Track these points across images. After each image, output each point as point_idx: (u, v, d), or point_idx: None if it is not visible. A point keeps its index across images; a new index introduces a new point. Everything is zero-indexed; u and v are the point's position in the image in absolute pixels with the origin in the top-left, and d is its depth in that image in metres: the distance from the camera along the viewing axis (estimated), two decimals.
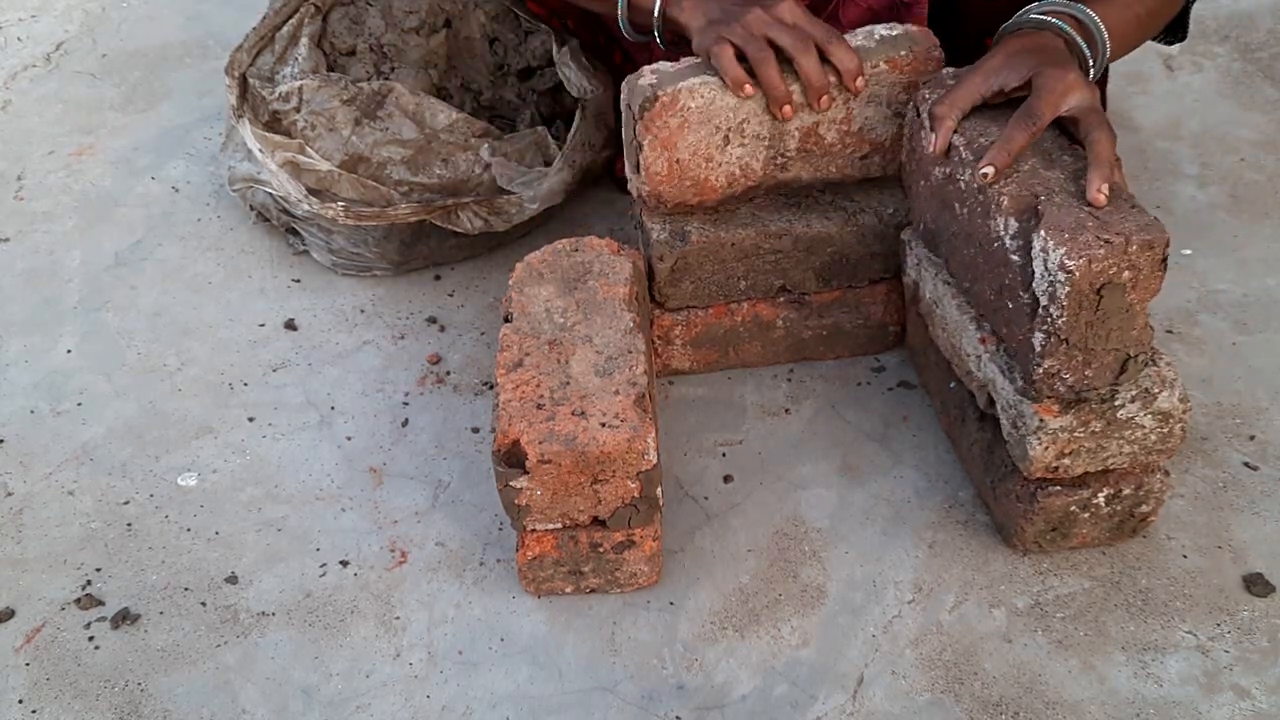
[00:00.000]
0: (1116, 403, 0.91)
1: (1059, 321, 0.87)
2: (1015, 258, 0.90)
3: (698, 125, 1.05)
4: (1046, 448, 0.92)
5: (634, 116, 1.05)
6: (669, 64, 1.07)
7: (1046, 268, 0.86)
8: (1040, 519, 0.97)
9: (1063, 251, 0.85)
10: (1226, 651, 0.93)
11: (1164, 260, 0.86)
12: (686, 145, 1.06)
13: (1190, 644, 0.94)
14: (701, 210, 1.12)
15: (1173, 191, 1.40)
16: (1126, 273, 0.85)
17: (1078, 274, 0.84)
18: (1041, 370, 0.90)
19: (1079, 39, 1.01)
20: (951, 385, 1.07)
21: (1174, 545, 1.01)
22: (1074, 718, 0.89)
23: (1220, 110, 1.53)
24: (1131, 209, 0.88)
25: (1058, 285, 0.86)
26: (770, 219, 1.11)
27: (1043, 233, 0.87)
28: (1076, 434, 0.92)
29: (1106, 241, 0.85)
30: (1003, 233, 0.92)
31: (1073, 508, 0.96)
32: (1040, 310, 0.88)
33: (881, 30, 1.08)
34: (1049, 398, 0.91)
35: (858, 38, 1.08)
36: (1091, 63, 1.01)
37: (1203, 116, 1.52)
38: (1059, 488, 0.95)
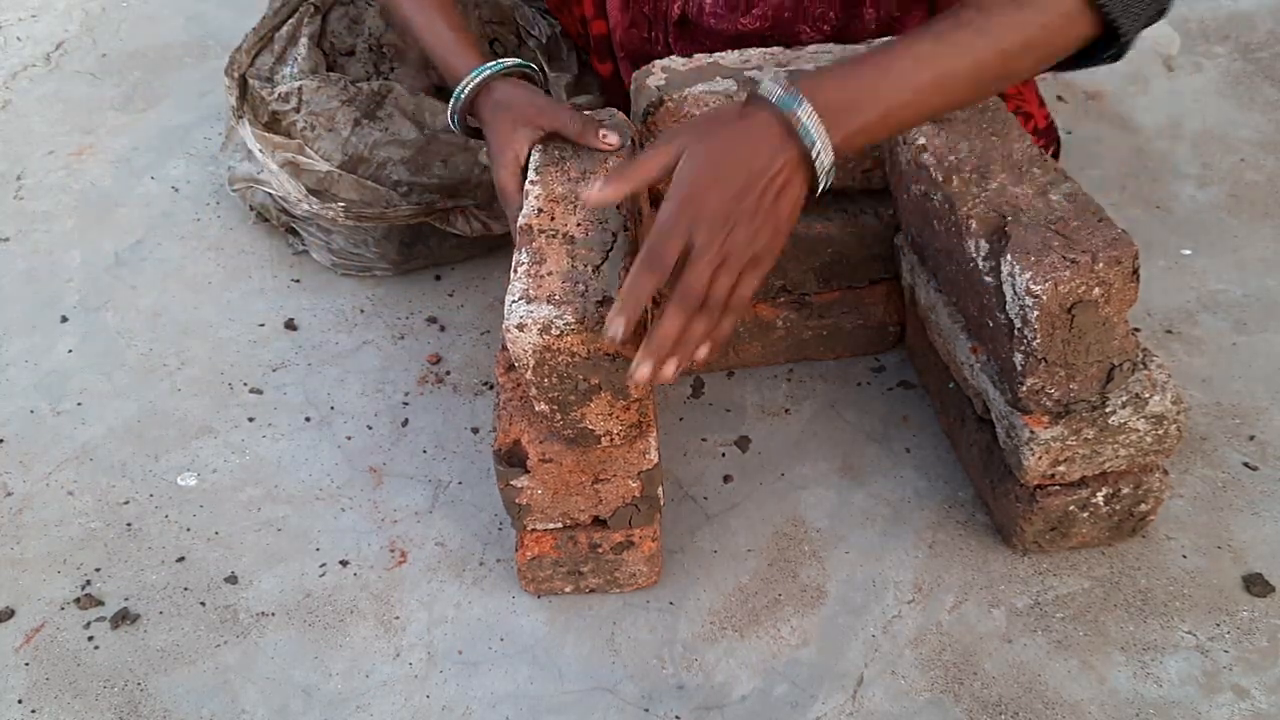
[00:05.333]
0: (1108, 409, 0.91)
1: (1034, 343, 0.87)
2: (989, 279, 0.90)
3: None
4: (1040, 458, 0.92)
5: (638, 117, 1.05)
6: (681, 60, 1.06)
7: (1015, 291, 0.86)
8: (1039, 519, 0.97)
9: (1029, 275, 0.84)
10: (1226, 652, 0.93)
11: (1135, 272, 0.85)
12: None
13: (1190, 644, 0.94)
14: None
15: (1173, 191, 1.40)
16: (1096, 289, 0.85)
17: (1045, 297, 0.84)
18: (1025, 388, 0.89)
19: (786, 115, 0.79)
20: (951, 385, 1.07)
21: (1174, 545, 1.01)
22: (1074, 718, 0.89)
23: (1220, 110, 1.53)
24: (1099, 222, 0.87)
25: (1027, 309, 0.85)
26: None
27: (1009, 256, 0.86)
28: (1069, 442, 0.92)
29: (1073, 261, 0.84)
30: (975, 254, 0.91)
31: (1072, 507, 0.96)
32: (1016, 331, 0.88)
33: None
34: (1037, 410, 0.91)
35: None
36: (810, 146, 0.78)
37: (1203, 116, 1.52)
38: (1058, 488, 0.95)
